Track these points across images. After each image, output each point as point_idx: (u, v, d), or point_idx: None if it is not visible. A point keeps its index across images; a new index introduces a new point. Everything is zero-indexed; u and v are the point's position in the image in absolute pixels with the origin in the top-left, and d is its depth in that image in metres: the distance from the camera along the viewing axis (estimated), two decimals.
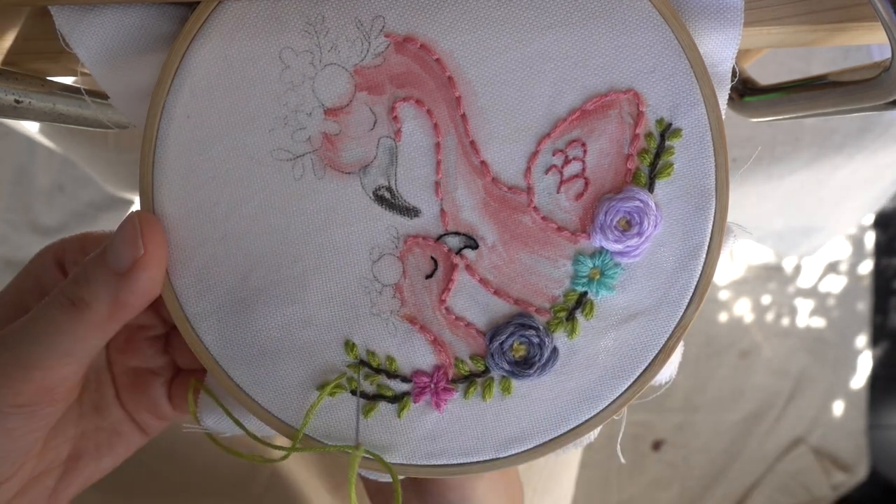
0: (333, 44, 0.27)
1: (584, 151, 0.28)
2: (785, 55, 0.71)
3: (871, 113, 0.33)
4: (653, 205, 0.28)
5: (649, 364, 0.29)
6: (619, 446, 0.33)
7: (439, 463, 0.30)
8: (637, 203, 0.28)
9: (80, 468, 0.31)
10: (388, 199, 0.29)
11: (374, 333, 0.29)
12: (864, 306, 1.28)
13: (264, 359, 0.29)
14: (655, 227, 0.28)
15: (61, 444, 0.30)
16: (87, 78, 0.30)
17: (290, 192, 0.28)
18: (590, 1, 0.27)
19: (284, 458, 0.29)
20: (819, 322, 1.27)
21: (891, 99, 0.30)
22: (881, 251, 1.27)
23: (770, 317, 1.26)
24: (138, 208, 0.29)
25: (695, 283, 0.29)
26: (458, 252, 0.29)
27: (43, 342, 0.27)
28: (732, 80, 0.29)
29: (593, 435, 0.31)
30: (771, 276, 1.26)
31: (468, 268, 0.29)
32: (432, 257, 0.29)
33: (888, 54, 0.29)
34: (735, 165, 0.66)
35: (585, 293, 0.29)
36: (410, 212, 0.29)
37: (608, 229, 0.28)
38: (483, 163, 0.28)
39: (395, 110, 0.28)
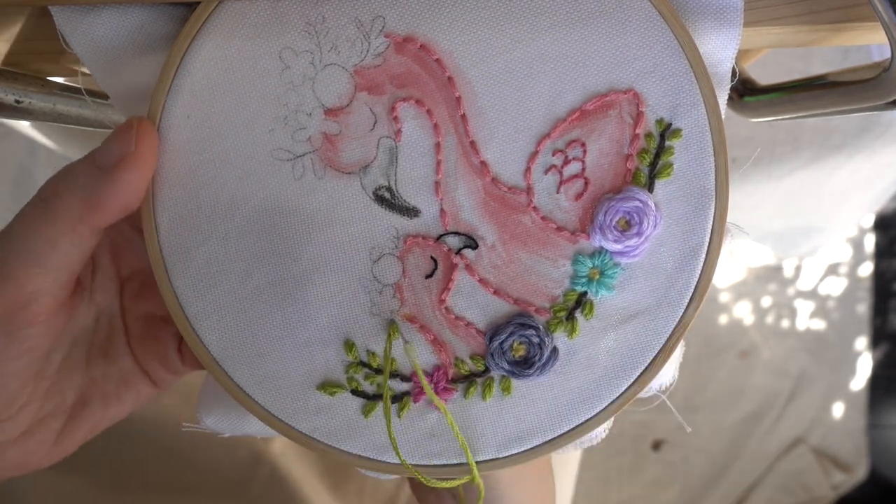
0: (333, 44, 0.27)
1: (584, 151, 0.28)
2: (785, 55, 0.71)
3: (871, 113, 0.33)
4: (652, 205, 0.28)
5: (649, 364, 0.29)
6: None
7: (439, 463, 0.30)
8: (637, 203, 0.28)
9: (86, 414, 0.31)
10: (387, 200, 0.29)
11: (374, 333, 0.29)
12: (863, 308, 1.28)
13: (264, 358, 0.29)
14: (655, 227, 0.28)
15: (67, 390, 0.30)
16: (87, 78, 0.30)
17: (291, 191, 0.28)
18: (590, 1, 0.27)
19: None
20: (819, 324, 1.27)
21: (891, 99, 0.30)
22: (881, 253, 1.27)
23: (770, 318, 1.26)
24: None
25: (694, 283, 0.29)
26: (458, 252, 0.29)
27: (10, 247, 0.26)
28: (732, 80, 0.29)
29: (598, 437, 0.31)
30: (771, 277, 1.26)
31: (468, 267, 0.29)
32: (432, 257, 0.29)
33: (888, 54, 0.29)
34: (735, 165, 0.65)
35: (585, 293, 0.29)
36: (410, 212, 0.29)
37: (608, 229, 0.28)
38: (483, 163, 0.28)
39: (396, 110, 0.28)
